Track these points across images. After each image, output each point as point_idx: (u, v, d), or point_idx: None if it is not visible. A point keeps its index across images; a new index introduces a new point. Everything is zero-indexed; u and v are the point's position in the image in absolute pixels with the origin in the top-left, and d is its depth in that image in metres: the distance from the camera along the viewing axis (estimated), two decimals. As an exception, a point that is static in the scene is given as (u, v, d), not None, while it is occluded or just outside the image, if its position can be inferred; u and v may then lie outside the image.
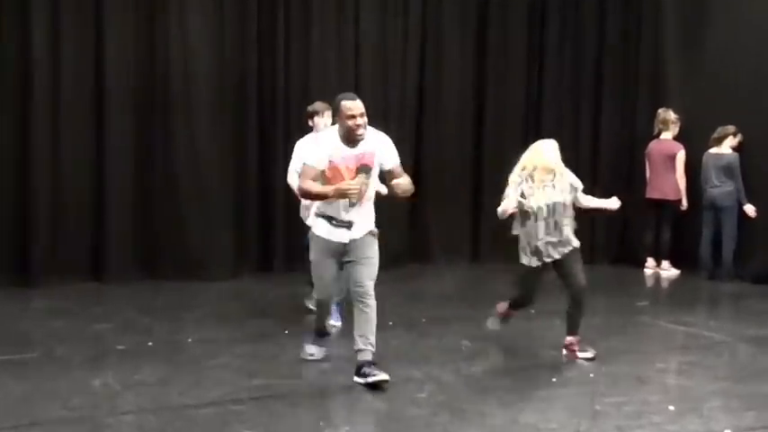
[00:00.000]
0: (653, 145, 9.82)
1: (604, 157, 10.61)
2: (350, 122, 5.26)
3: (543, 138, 6.50)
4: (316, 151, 5.38)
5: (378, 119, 9.71)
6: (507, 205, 5.96)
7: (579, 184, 6.17)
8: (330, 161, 5.31)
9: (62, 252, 8.42)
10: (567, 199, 6.06)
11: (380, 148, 5.42)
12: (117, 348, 6.23)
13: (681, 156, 9.62)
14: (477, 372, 5.85)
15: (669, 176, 9.67)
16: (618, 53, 10.51)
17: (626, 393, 5.44)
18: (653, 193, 9.81)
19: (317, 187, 5.35)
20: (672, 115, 9.69)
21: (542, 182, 6.01)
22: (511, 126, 10.51)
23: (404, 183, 5.44)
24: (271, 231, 9.27)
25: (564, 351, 6.16)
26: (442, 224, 10.29)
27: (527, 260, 6.08)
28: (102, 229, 8.62)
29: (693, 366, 6.08)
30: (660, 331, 7.23)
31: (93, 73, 8.52)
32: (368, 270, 5.42)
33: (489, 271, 9.63)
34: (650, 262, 9.90)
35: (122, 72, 8.58)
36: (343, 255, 5.46)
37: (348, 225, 5.42)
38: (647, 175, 9.87)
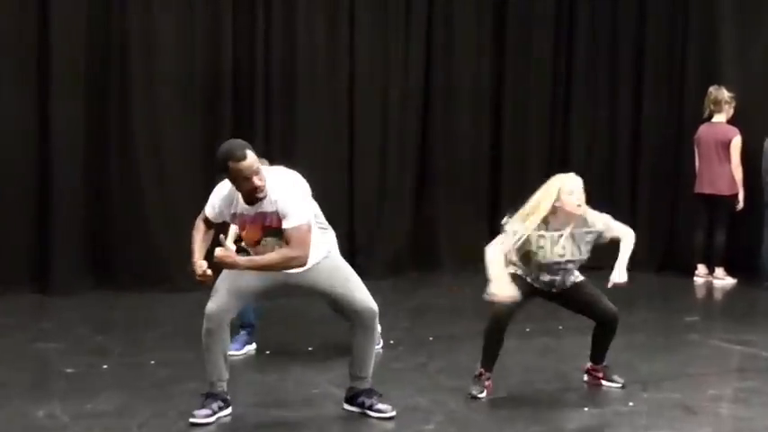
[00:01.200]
0: (703, 130, 9.85)
1: (646, 147, 10.64)
2: (246, 185, 5.11)
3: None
4: (213, 199, 5.37)
5: (376, 110, 9.97)
6: (499, 286, 5.51)
7: (603, 225, 5.85)
8: (232, 214, 5.30)
9: (-2, 259, 8.46)
10: (586, 255, 5.82)
11: (282, 209, 5.16)
12: (65, 372, 6.24)
13: (736, 142, 9.65)
14: (491, 399, 5.85)
15: (723, 167, 9.70)
16: (661, 22, 10.54)
17: (672, 425, 5.45)
18: (704, 187, 9.83)
19: (197, 236, 5.38)
20: (725, 94, 9.72)
21: (558, 230, 5.73)
22: (535, 113, 10.55)
23: (281, 253, 5.14)
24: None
25: (585, 376, 6.17)
26: (452, 227, 10.33)
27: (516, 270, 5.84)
28: (47, 232, 8.65)
29: (752, 393, 6.09)
30: (713, 352, 7.25)
31: (35, 44, 8.54)
32: (351, 289, 5.37)
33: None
34: (701, 269, 9.92)
35: (71, 44, 8.59)
36: (284, 286, 5.39)
37: None
38: (697, 165, 9.89)
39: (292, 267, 5.19)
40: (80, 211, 8.74)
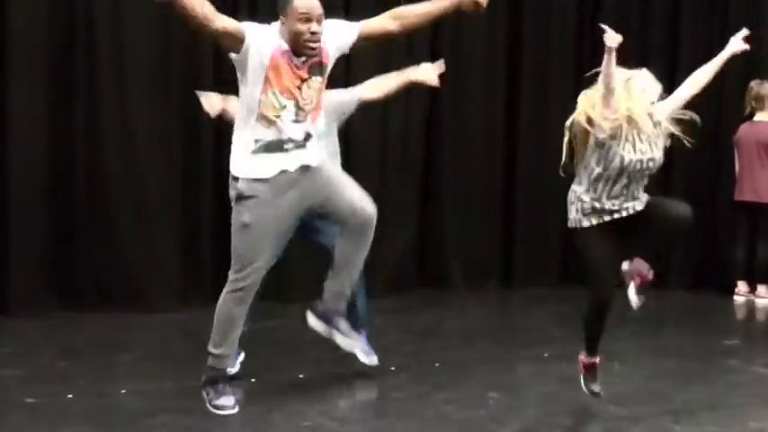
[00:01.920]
0: (744, 129, 9.86)
1: (680, 149, 10.61)
2: (302, 27, 5.24)
3: None
4: (257, 29, 5.36)
5: (375, 108, 9.81)
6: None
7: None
8: (273, 56, 5.32)
9: (-49, 275, 8.47)
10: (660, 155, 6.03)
11: (334, 35, 5.47)
12: (25, 402, 6.21)
13: (782, 143, 9.69)
14: (508, 433, 5.85)
15: (766, 171, 9.70)
16: (698, 8, 10.55)
17: (709, 462, 5.47)
18: (744, 194, 9.84)
19: None
20: (769, 89, 9.76)
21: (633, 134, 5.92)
22: (554, 111, 10.52)
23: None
24: (229, 248, 9.26)
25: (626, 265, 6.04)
26: (462, 237, 10.34)
27: (579, 221, 5.97)
28: (4, 244, 8.63)
29: (799, 426, 6.10)
30: (754, 379, 7.23)
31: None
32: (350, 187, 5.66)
33: (524, 299, 9.65)
34: (742, 286, 9.93)
35: (31, 30, 8.59)
36: (302, 198, 5.51)
37: (304, 142, 5.48)
38: (737, 170, 9.90)
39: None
40: (41, 221, 8.71)
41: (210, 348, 5.74)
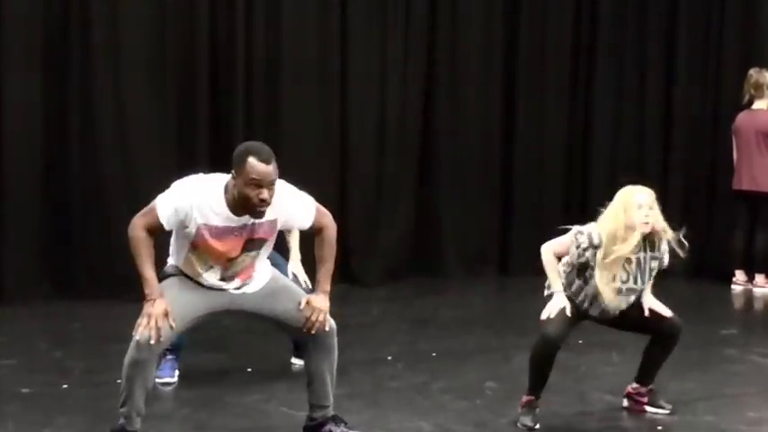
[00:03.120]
0: (743, 118, 9.85)
1: (678, 137, 10.64)
2: (251, 192, 4.90)
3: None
4: (179, 202, 5.04)
5: (371, 94, 9.94)
6: (555, 300, 5.66)
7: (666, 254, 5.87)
8: (203, 226, 5.01)
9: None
10: (647, 286, 5.85)
11: (283, 212, 5.12)
12: (20, 392, 6.23)
13: (781, 132, 9.68)
14: (505, 424, 5.84)
15: (765, 160, 9.72)
16: (694, 20, 10.54)
17: (706, 452, 5.48)
18: (743, 182, 9.84)
19: (141, 257, 5.10)
20: (768, 77, 9.75)
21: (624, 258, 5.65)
22: (553, 96, 10.55)
23: (330, 243, 5.25)
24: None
25: (625, 401, 6.15)
26: (459, 224, 10.34)
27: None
28: (0, 234, 8.64)
29: (797, 416, 6.11)
30: (752, 369, 7.25)
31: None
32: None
33: (521, 287, 9.65)
34: (740, 276, 9.94)
35: (26, 20, 8.57)
36: (226, 312, 5.30)
37: (232, 288, 5.25)
38: (735, 158, 9.90)
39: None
40: (36, 210, 8.73)
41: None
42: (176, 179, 5.21)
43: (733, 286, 9.91)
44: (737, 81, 10.00)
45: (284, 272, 6.26)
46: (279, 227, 5.20)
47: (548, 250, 5.74)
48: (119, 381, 6.39)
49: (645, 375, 6.07)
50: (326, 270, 5.24)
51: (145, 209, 5.17)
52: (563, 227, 5.76)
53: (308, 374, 5.36)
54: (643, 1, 10.63)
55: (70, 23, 8.75)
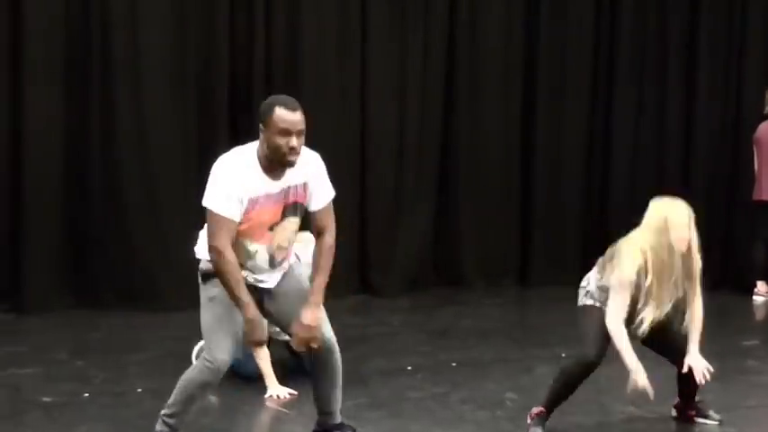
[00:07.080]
0: (763, 128, 9.84)
1: (699, 147, 10.61)
2: (281, 140, 4.99)
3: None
4: (226, 188, 4.98)
5: (391, 106, 9.97)
6: (638, 373, 5.58)
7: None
8: (250, 201, 5.01)
9: (-35, 273, 8.52)
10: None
11: (314, 177, 5.19)
12: (42, 401, 6.26)
13: (801, 143, 9.67)
14: (525, 434, 5.87)
15: (786, 171, 9.70)
16: (718, 5, 10.53)
17: (727, 464, 5.47)
18: (763, 193, 9.83)
19: (239, 283, 4.97)
20: (789, 88, 9.75)
21: (665, 281, 5.60)
22: (572, 107, 10.55)
23: (330, 252, 5.21)
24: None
25: (674, 411, 6.13)
26: (478, 235, 10.35)
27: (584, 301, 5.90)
28: (21, 243, 8.69)
29: (819, 428, 6.11)
30: (774, 380, 7.25)
31: (7, 33, 8.59)
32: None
33: (541, 297, 9.64)
34: (761, 286, 9.92)
35: (48, 33, 8.63)
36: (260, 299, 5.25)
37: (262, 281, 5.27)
38: (756, 168, 9.89)
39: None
40: (57, 220, 8.77)
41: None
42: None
43: (754, 297, 9.88)
44: (758, 92, 9.98)
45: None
46: (308, 192, 5.19)
47: (616, 320, 5.62)
48: (139, 390, 6.47)
49: (683, 396, 6.06)
50: (322, 281, 5.15)
51: (207, 226, 5.06)
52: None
53: (312, 386, 5.39)
54: (664, 13, 10.61)
55: (91, 37, 8.79)
